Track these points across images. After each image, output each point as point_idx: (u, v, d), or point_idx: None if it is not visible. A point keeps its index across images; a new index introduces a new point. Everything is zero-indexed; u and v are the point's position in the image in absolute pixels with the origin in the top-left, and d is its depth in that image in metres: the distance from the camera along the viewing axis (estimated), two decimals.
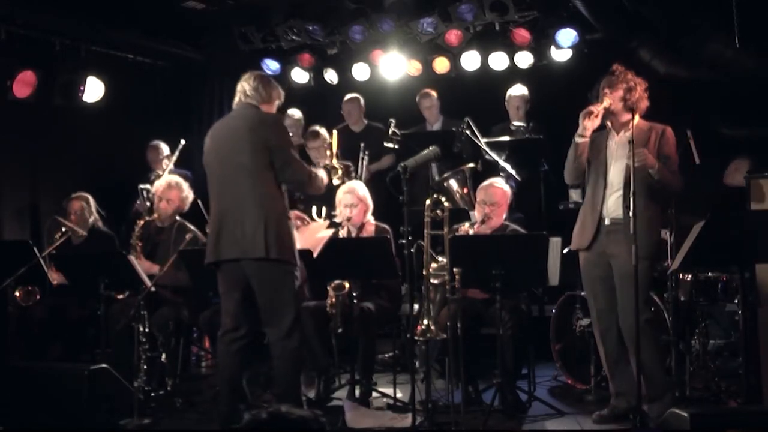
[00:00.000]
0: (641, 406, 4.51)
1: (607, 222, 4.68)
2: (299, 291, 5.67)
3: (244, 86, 4.64)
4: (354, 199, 5.52)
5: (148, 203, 6.50)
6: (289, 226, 4.53)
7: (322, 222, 5.69)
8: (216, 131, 4.70)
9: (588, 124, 4.64)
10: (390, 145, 6.51)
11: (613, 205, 4.67)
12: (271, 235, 4.39)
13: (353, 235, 5.51)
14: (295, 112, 7.80)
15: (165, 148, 7.18)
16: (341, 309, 5.14)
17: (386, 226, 5.57)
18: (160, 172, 6.71)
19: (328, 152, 6.45)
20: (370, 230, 5.56)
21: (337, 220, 5.58)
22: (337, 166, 6.36)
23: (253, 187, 4.45)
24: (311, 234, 5.14)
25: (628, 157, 4.51)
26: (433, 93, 7.57)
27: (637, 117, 4.64)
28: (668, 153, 4.67)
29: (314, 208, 6.17)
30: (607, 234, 4.68)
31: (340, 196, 5.56)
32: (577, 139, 4.71)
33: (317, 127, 6.87)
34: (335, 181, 5.93)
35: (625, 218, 4.58)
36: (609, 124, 4.77)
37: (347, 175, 6.32)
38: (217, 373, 4.82)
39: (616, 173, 4.68)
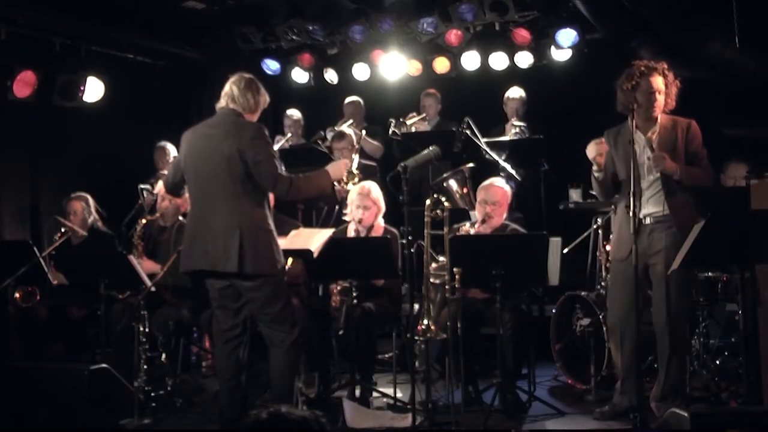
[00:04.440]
0: (641, 406, 4.52)
1: (647, 221, 4.63)
2: (299, 290, 5.70)
3: (233, 90, 4.51)
4: (368, 201, 5.43)
5: (153, 200, 6.48)
6: (268, 237, 4.42)
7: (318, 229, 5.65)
8: (193, 136, 4.56)
9: (600, 161, 4.71)
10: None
11: (649, 206, 4.63)
12: (246, 249, 4.31)
13: (362, 235, 5.44)
14: (294, 113, 7.81)
15: (172, 149, 7.16)
16: (345, 312, 5.14)
17: (394, 230, 5.53)
18: (166, 173, 6.70)
19: (353, 155, 6.49)
20: (378, 233, 5.51)
21: (347, 218, 5.54)
22: (355, 172, 6.37)
23: (228, 199, 4.37)
24: (309, 235, 5.12)
25: (648, 158, 4.58)
26: (437, 95, 7.60)
27: (660, 116, 4.67)
28: (695, 149, 4.67)
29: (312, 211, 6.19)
30: (648, 234, 4.61)
31: (353, 196, 5.48)
32: (597, 175, 4.78)
33: (344, 128, 6.87)
34: (349, 186, 5.92)
35: (660, 216, 4.59)
36: (633, 119, 4.65)
37: (373, 176, 6.31)
38: (217, 373, 4.82)
39: (647, 177, 4.64)
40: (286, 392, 4.53)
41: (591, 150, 4.76)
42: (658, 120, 4.66)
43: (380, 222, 5.55)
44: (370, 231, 5.49)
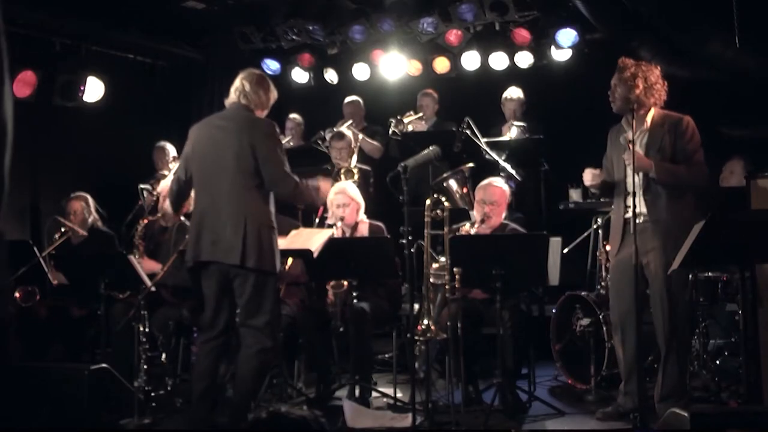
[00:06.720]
0: (643, 406, 4.52)
1: (639, 220, 4.56)
2: (299, 290, 5.70)
3: (244, 86, 4.52)
4: (345, 198, 5.48)
5: (153, 201, 6.47)
6: (271, 234, 4.42)
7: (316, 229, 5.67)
8: (202, 130, 4.58)
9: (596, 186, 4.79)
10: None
11: (640, 206, 4.60)
12: (250, 243, 4.31)
13: (347, 234, 5.47)
14: (296, 116, 7.83)
15: (171, 149, 7.16)
16: (341, 308, 5.14)
17: (380, 224, 5.56)
18: (166, 173, 6.70)
19: (352, 156, 6.50)
20: (363, 229, 5.54)
21: (329, 221, 5.55)
22: (354, 170, 6.38)
23: (235, 191, 4.38)
24: (309, 235, 5.13)
25: (627, 159, 4.54)
26: (435, 95, 7.59)
27: (652, 111, 4.66)
28: (684, 145, 4.62)
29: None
30: (641, 233, 4.55)
31: (331, 196, 5.49)
32: (594, 191, 4.91)
33: (344, 129, 6.87)
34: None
35: (651, 215, 4.57)
36: (624, 119, 4.74)
37: (367, 179, 6.32)
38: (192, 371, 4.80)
39: (632, 176, 4.61)
40: (244, 399, 4.46)
41: (587, 179, 4.79)
42: (649, 117, 4.65)
43: (363, 218, 5.57)
44: (355, 228, 5.52)
